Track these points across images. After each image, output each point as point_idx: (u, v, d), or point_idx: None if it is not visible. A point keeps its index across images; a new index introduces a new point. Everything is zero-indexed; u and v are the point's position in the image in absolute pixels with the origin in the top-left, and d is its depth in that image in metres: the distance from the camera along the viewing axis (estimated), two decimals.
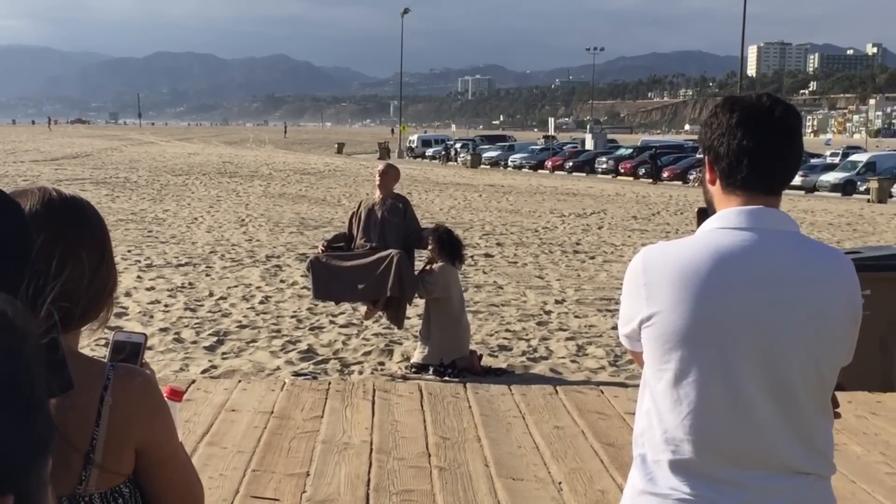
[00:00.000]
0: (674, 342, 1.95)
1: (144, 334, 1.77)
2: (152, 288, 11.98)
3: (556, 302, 11.83)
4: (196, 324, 9.97)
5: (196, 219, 20.94)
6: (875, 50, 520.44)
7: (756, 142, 1.99)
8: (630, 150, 56.52)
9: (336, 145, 79.72)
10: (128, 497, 1.58)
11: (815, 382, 1.98)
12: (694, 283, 1.93)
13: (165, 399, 1.64)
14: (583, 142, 70.90)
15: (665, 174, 47.18)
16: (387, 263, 8.00)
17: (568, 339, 9.70)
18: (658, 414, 2.00)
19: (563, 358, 8.93)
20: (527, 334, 9.89)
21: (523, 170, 56.55)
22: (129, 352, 1.66)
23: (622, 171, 50.98)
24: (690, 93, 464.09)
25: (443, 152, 66.48)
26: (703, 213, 2.17)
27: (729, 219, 2.00)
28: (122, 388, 1.54)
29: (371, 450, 5.42)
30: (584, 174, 52.53)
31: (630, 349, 2.15)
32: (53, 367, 1.19)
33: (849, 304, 2.02)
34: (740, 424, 1.94)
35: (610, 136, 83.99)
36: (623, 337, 2.13)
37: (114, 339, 1.68)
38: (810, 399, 1.97)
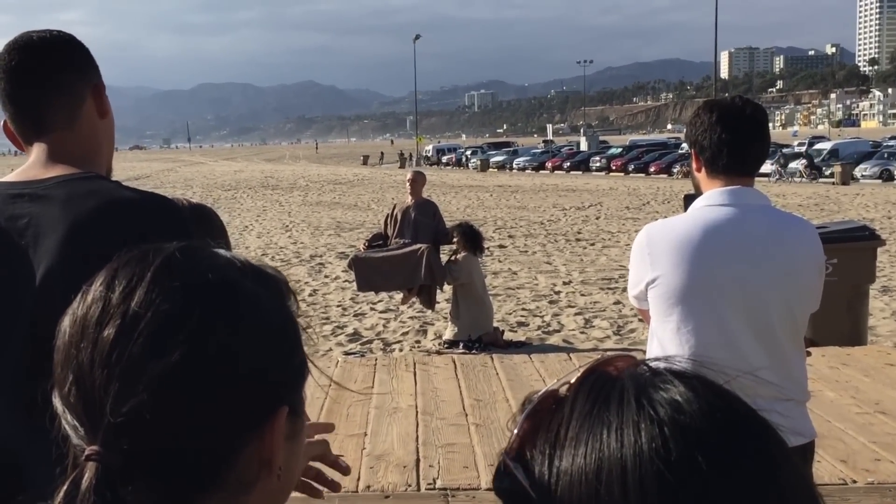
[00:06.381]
0: (675, 298, 2.13)
1: None
2: None
3: (564, 283, 11.98)
4: None
5: (247, 227, 21.17)
6: (833, 50, 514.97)
7: (733, 135, 2.18)
8: (620, 150, 56.44)
9: (361, 157, 79.82)
10: None
11: (790, 324, 2.16)
12: (689, 251, 2.12)
13: None
14: (578, 144, 70.74)
15: (652, 168, 47.07)
16: (418, 256, 8.19)
17: (576, 314, 9.85)
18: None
19: (574, 330, 9.09)
20: (540, 312, 10.05)
21: (527, 171, 56.49)
22: None
23: (613, 167, 50.89)
24: (671, 96, 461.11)
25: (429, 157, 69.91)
26: (689, 198, 2.37)
27: (714, 198, 2.18)
28: None
29: (417, 412, 5.61)
30: (580, 172, 52.44)
31: (638, 307, 2.34)
32: None
33: (814, 260, 2.20)
34: (731, 360, 2.12)
35: (601, 138, 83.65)
36: (632, 298, 2.31)
37: None
38: (786, 337, 2.16)
